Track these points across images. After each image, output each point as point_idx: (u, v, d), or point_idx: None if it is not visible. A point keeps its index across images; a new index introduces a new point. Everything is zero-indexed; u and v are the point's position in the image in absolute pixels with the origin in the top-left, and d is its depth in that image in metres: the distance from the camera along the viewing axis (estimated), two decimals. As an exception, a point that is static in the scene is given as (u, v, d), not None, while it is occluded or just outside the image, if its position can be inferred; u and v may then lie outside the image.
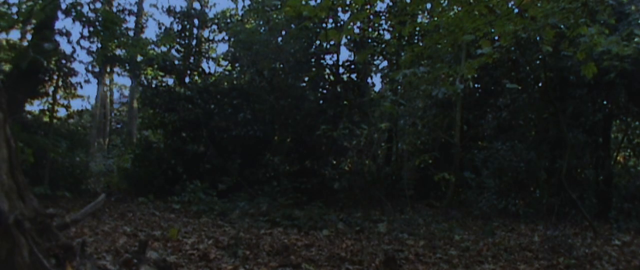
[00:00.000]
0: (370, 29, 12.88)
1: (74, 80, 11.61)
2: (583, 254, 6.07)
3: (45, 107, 11.68)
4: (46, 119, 11.43)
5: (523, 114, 11.63)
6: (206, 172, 11.49)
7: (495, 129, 12.14)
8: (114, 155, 17.68)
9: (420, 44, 9.85)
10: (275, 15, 12.93)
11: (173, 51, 13.61)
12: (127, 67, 14.01)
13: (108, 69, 17.62)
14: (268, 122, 12.21)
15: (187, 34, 14.02)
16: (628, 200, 9.75)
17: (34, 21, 10.78)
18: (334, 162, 12.56)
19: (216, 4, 22.39)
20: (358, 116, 12.30)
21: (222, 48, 25.67)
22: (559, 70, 9.99)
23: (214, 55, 16.29)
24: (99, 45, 11.24)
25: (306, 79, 12.69)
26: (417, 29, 10.48)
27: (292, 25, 12.32)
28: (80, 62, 16.12)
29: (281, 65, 12.36)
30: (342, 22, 12.11)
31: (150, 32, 48.87)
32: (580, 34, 6.15)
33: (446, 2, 5.99)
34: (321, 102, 12.57)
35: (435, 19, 6.81)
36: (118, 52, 12.32)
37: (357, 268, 5.07)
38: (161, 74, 13.50)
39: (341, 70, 13.02)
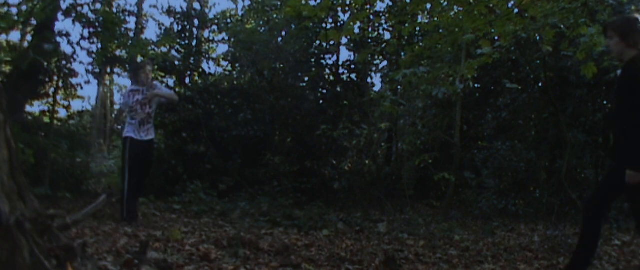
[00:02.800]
0: (370, 29, 12.89)
1: (74, 81, 11.61)
2: (583, 254, 6.07)
3: (46, 108, 11.67)
4: (47, 120, 11.41)
5: (523, 114, 11.63)
6: (207, 172, 11.48)
7: (495, 129, 12.14)
8: (115, 156, 17.67)
9: (420, 44, 9.85)
10: (275, 15, 12.95)
11: (173, 52, 13.60)
12: (128, 68, 14.01)
13: (108, 70, 17.63)
14: (268, 122, 12.21)
15: (187, 34, 14.01)
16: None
17: (34, 22, 10.79)
18: (334, 162, 12.55)
19: (216, 4, 22.45)
20: (358, 116, 12.30)
21: (222, 48, 25.63)
22: (559, 70, 9.99)
23: (214, 55, 16.27)
24: (99, 46, 11.23)
25: (306, 79, 12.70)
26: (417, 29, 10.49)
27: (292, 25, 12.34)
28: (81, 63, 16.13)
29: (281, 65, 12.38)
30: (342, 22, 12.13)
31: (151, 33, 48.72)
32: (580, 34, 6.17)
33: (446, 2, 6.01)
34: (321, 102, 12.57)
35: (435, 19, 6.82)
36: (118, 52, 12.31)
37: (357, 268, 5.06)
38: (161, 74, 13.49)
39: (341, 70, 13.03)
